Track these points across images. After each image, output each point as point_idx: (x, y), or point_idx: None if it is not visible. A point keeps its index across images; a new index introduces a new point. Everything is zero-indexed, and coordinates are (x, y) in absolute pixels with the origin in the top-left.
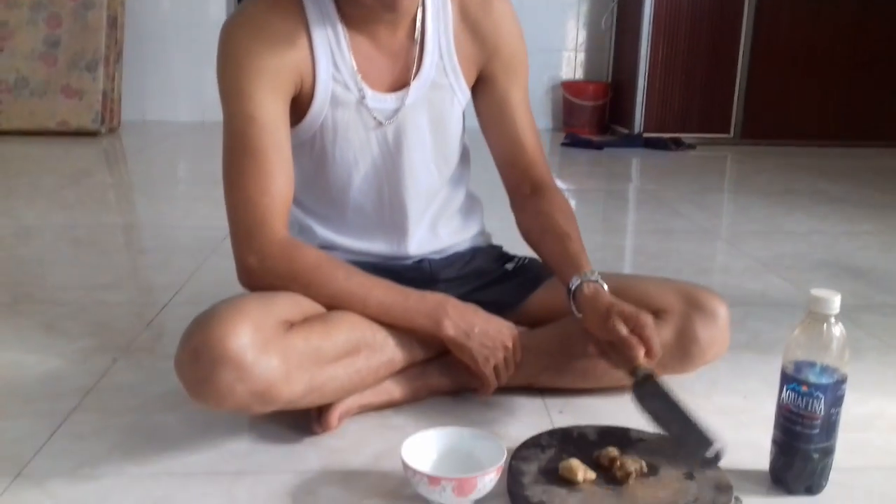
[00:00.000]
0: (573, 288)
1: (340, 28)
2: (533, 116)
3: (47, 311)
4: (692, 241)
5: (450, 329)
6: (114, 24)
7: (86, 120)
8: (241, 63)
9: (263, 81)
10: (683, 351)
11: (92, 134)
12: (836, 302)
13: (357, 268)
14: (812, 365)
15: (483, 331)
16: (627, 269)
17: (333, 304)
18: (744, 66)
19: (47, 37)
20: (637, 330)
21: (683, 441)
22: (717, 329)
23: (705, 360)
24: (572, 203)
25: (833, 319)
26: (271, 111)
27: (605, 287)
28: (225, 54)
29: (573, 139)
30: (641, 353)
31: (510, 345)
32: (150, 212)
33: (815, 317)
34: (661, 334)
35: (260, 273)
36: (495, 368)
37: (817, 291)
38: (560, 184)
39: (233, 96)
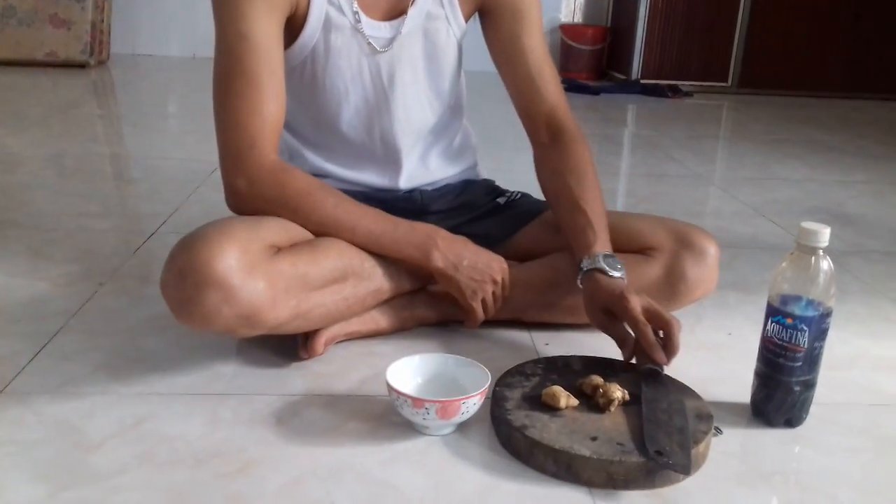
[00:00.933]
0: (581, 276)
1: None
2: (551, 60)
3: (33, 237)
4: (684, 186)
5: (438, 261)
6: None
7: (74, 51)
8: None
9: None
10: (672, 288)
11: (80, 65)
12: (825, 235)
13: (347, 196)
14: (798, 298)
15: (472, 264)
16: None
17: (322, 232)
18: (744, 14)
19: None
20: (666, 334)
21: (657, 444)
22: (705, 268)
23: (693, 297)
24: None
25: (821, 252)
26: (265, 31)
27: (615, 273)
28: None
29: (570, 84)
30: (661, 356)
31: (499, 279)
32: (138, 143)
33: (803, 249)
34: (649, 271)
35: (248, 196)
36: (483, 302)
37: (807, 224)
38: None
39: (226, 13)
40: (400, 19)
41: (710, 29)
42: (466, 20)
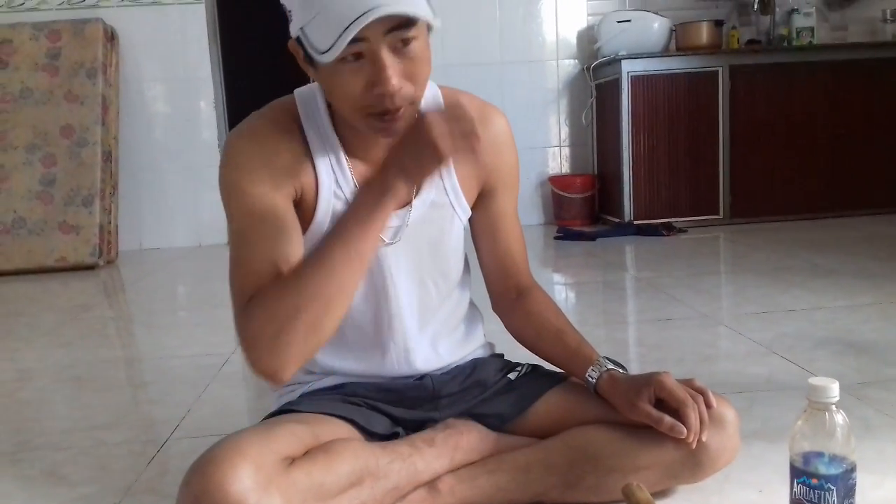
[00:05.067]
0: (594, 387)
1: (342, 153)
2: (520, 224)
3: (47, 458)
4: (692, 328)
5: (394, 185)
6: (108, 158)
7: (83, 254)
8: (239, 164)
9: (261, 178)
10: (694, 461)
11: (90, 267)
12: (834, 389)
13: (306, 259)
14: (820, 455)
15: (407, 154)
16: (631, 363)
17: (324, 298)
18: (725, 146)
19: (43, 176)
20: (682, 409)
21: None
22: (726, 436)
23: (716, 468)
24: (571, 296)
25: (834, 407)
26: (270, 203)
27: (620, 369)
28: (225, 159)
29: (566, 232)
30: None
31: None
32: (148, 343)
33: (815, 406)
34: (666, 447)
35: (254, 338)
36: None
37: (815, 380)
38: (557, 277)
39: (232, 198)
40: (405, 209)
41: (695, 165)
42: (471, 203)
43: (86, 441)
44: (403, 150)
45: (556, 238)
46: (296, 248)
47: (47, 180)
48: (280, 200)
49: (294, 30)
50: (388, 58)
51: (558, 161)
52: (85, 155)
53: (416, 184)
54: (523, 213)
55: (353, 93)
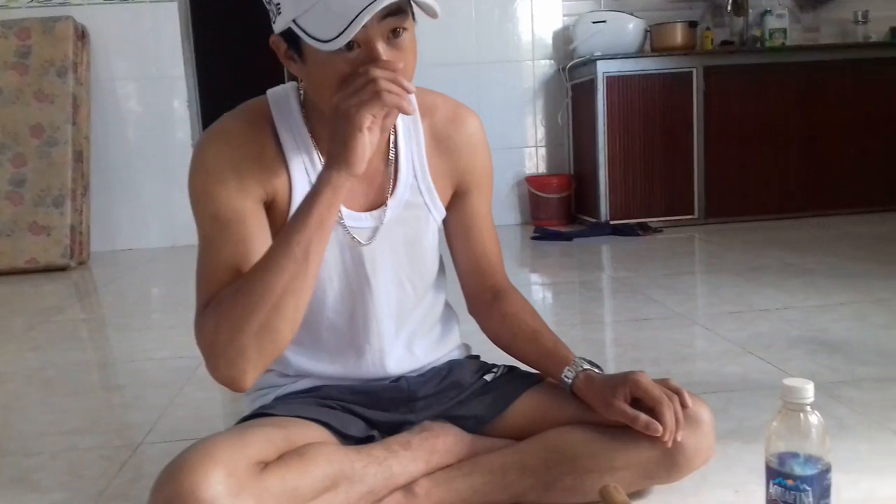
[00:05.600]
0: (570, 387)
1: (315, 152)
2: (494, 225)
3: (17, 464)
4: (668, 328)
5: (336, 168)
6: (79, 158)
7: (54, 255)
8: (208, 167)
9: (228, 183)
10: (670, 461)
11: (61, 269)
12: (809, 390)
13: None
14: (795, 455)
15: (331, 137)
16: (608, 363)
17: (272, 299)
18: (699, 147)
19: (13, 176)
20: (657, 407)
21: None
22: (702, 435)
23: (692, 468)
24: (548, 296)
25: (809, 408)
26: (238, 208)
27: (596, 369)
28: (194, 162)
29: (542, 232)
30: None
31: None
32: (121, 346)
33: (790, 406)
34: (643, 447)
35: (209, 338)
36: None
37: (789, 381)
38: (534, 277)
39: (198, 201)
40: (381, 209)
41: (670, 165)
42: (446, 203)
43: (57, 445)
44: (330, 138)
45: (533, 238)
46: (259, 254)
47: (17, 180)
48: (248, 205)
49: (282, 23)
50: (381, 46)
51: (535, 161)
52: (55, 155)
53: (347, 165)
54: (500, 213)
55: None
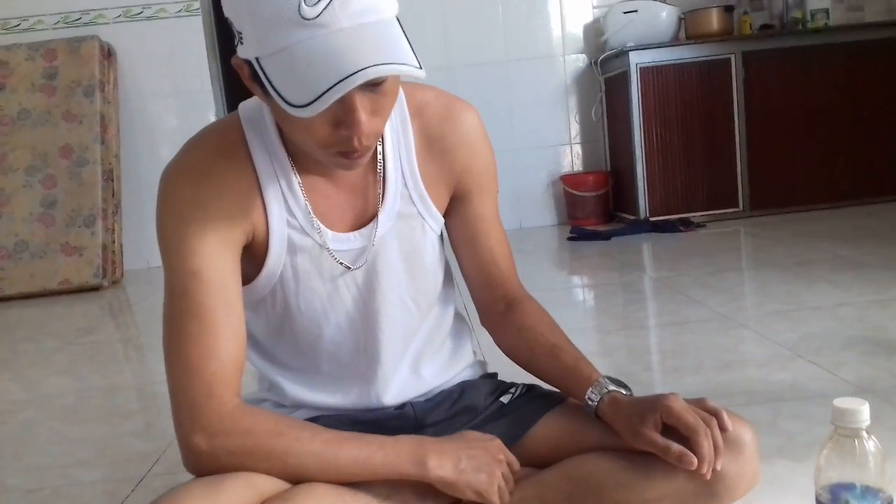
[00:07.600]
0: (594, 411)
1: (291, 171)
2: (503, 228)
3: (17, 501)
4: (711, 332)
5: (438, 469)
6: (109, 177)
7: (87, 275)
8: (184, 213)
9: (209, 233)
10: (708, 492)
11: (94, 288)
12: (864, 412)
13: (319, 426)
14: (850, 488)
15: (471, 456)
16: (648, 373)
17: (301, 475)
18: (741, 136)
19: (44, 198)
20: (693, 437)
21: None
22: (744, 460)
23: (734, 497)
24: (585, 300)
25: (865, 433)
26: (218, 266)
27: (623, 390)
28: (165, 204)
29: (579, 232)
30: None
31: (502, 457)
32: (142, 368)
33: (843, 432)
34: (677, 478)
35: (209, 454)
36: (499, 489)
37: (841, 402)
38: (571, 280)
39: (174, 251)
40: (370, 226)
41: (710, 157)
42: (443, 210)
43: (59, 480)
44: (471, 453)
45: (570, 239)
46: (240, 340)
47: (48, 202)
48: (228, 256)
49: (245, 53)
50: (359, 99)
51: (570, 159)
52: (85, 174)
53: (453, 487)
54: (535, 214)
55: (317, 133)
